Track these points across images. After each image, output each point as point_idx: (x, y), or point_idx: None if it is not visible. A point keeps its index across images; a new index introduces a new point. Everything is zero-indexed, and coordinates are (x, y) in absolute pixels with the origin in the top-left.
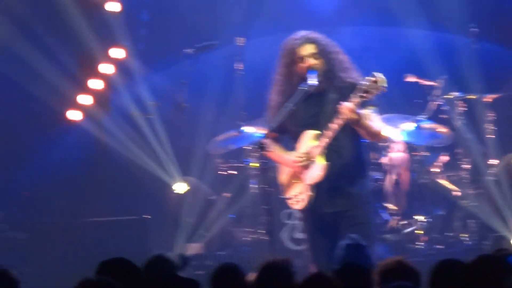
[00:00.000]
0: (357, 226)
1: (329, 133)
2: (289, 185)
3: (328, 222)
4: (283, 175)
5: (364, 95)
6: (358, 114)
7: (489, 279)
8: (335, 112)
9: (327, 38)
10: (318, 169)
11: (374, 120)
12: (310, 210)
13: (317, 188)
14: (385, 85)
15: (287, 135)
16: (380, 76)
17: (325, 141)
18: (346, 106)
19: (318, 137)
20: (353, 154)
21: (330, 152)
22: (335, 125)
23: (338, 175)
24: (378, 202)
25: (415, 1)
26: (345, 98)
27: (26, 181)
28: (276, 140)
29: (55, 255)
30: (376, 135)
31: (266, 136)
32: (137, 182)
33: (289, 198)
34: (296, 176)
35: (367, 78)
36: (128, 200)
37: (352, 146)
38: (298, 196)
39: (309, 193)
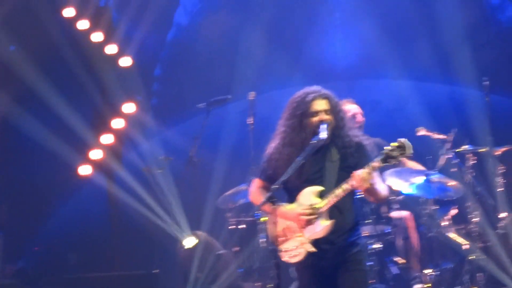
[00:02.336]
0: (355, 272)
1: (338, 194)
2: (284, 238)
3: (328, 275)
4: (278, 227)
5: (389, 160)
6: (371, 183)
7: None
8: (339, 171)
9: (336, 96)
10: (322, 226)
11: (377, 181)
12: (308, 265)
13: (316, 242)
14: (411, 151)
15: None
16: (407, 143)
17: (332, 200)
18: (360, 175)
19: (320, 194)
20: (352, 210)
21: (332, 209)
22: (344, 189)
23: (338, 231)
24: (388, 256)
25: (426, 55)
26: (350, 156)
27: (40, 236)
28: (267, 189)
29: None
30: (380, 200)
31: (274, 190)
32: (148, 236)
33: (283, 251)
34: (293, 230)
35: (392, 144)
36: (139, 255)
37: (351, 202)
38: (294, 250)
39: (310, 247)
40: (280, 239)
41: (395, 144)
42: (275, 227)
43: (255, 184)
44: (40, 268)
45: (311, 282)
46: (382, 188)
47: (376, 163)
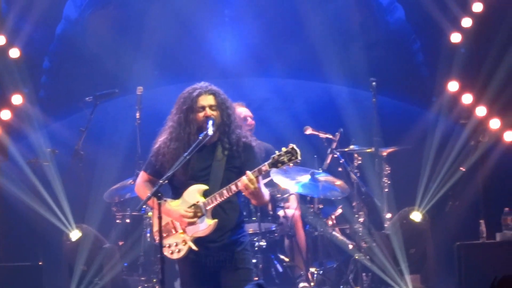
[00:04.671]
0: (239, 271)
1: (223, 194)
2: (166, 234)
3: (210, 272)
4: (161, 223)
5: (278, 165)
6: (258, 187)
7: None
8: (225, 171)
9: (225, 93)
10: (205, 225)
11: (261, 184)
12: (190, 261)
13: (199, 240)
14: (300, 158)
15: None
16: (297, 149)
17: (216, 201)
18: (248, 178)
19: (205, 192)
20: (237, 210)
21: (216, 208)
22: (230, 189)
23: (222, 229)
24: (273, 253)
25: (314, 54)
26: (237, 157)
27: None
28: (153, 183)
29: None
30: (262, 204)
31: (160, 185)
32: (33, 228)
33: (164, 247)
34: (175, 226)
35: (283, 149)
36: (23, 246)
37: (237, 202)
38: (175, 247)
39: (192, 245)
40: (163, 234)
41: (285, 149)
42: (158, 222)
43: (141, 178)
44: None
45: (193, 278)
46: (265, 192)
47: (264, 167)
